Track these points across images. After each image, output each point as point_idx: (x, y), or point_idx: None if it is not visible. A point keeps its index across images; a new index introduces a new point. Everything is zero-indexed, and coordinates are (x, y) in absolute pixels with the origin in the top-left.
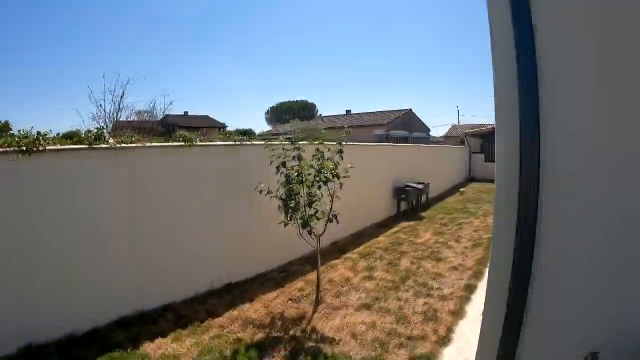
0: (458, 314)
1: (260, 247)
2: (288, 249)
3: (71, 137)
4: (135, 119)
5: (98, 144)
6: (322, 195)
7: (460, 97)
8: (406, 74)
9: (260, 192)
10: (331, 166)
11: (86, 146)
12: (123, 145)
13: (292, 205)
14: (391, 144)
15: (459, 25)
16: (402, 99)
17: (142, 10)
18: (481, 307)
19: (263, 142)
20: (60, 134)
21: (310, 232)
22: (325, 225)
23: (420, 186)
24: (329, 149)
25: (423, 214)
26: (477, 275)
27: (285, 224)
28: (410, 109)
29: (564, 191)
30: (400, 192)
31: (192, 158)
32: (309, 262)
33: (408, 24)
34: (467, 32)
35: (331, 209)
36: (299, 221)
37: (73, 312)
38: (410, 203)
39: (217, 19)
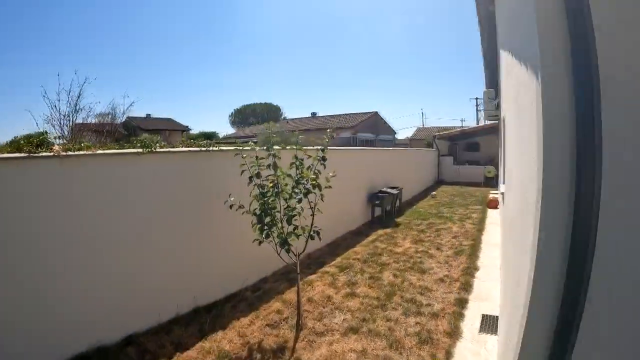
0: (454, 334)
1: (230, 264)
2: (260, 264)
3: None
4: (95, 121)
5: (40, 152)
6: (302, 209)
7: (424, 100)
8: (371, 77)
9: (231, 207)
10: (312, 176)
11: (24, 155)
12: (69, 153)
13: (267, 221)
14: (368, 147)
15: (425, 29)
16: (368, 101)
17: (102, 10)
18: (477, 324)
19: (232, 148)
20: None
21: (288, 251)
22: (306, 242)
23: (394, 191)
24: (309, 156)
25: (398, 219)
26: (466, 287)
27: (260, 242)
28: (377, 112)
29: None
30: (375, 198)
31: (152, 166)
32: (284, 278)
33: (373, 25)
34: (434, 36)
35: (312, 224)
36: (277, 239)
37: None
38: (385, 209)
39: (180, 19)
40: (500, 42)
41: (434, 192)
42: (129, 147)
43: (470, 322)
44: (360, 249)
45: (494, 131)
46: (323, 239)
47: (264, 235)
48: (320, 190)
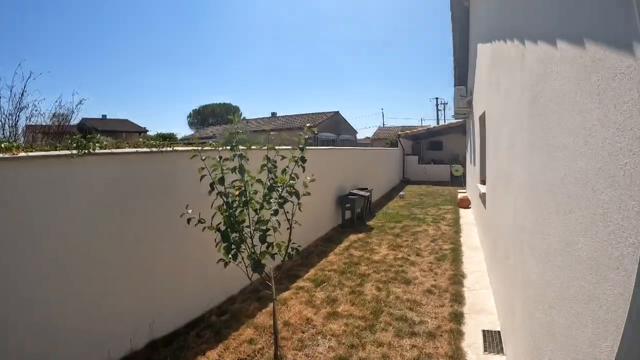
0: (457, 357)
1: (193, 284)
2: (227, 282)
3: None
4: (49, 122)
5: None
6: (278, 223)
7: (384, 100)
8: (331, 78)
9: (188, 221)
10: (290, 181)
11: None
12: None
13: (235, 238)
14: (337, 147)
15: (386, 29)
16: (328, 102)
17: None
18: (479, 343)
19: (190, 149)
20: None
21: (262, 273)
22: (283, 261)
23: (365, 193)
24: (282, 157)
25: (370, 223)
26: (458, 298)
27: (227, 264)
28: (337, 112)
29: None
30: (345, 200)
31: (90, 171)
32: (254, 296)
33: (333, 26)
34: (393, 36)
35: (290, 240)
36: (248, 261)
37: None
38: (355, 212)
39: (139, 19)
40: (479, 36)
41: (402, 192)
42: (61, 149)
43: (472, 340)
44: (335, 258)
45: (458, 130)
46: None
47: (230, 256)
48: (298, 198)
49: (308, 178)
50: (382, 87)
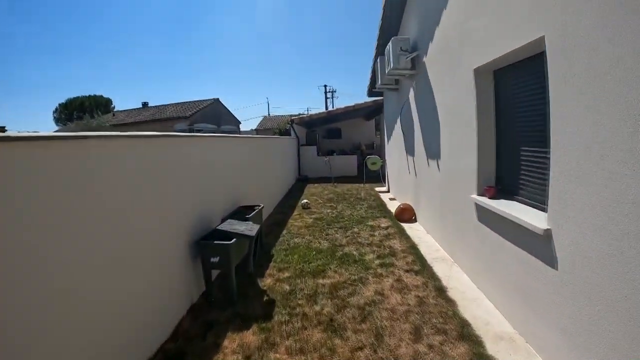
0: None
1: None
2: None
3: None
4: None
5: None
6: None
7: (269, 90)
8: (213, 68)
9: None
10: None
11: None
12: None
13: None
14: (199, 134)
15: (266, 18)
16: (210, 93)
17: None
18: None
19: None
20: None
21: None
22: None
23: (250, 231)
24: None
25: (266, 283)
26: None
27: None
28: (217, 99)
29: None
30: (211, 249)
31: None
32: None
33: (214, 16)
34: (277, 25)
35: None
36: None
37: None
38: (233, 273)
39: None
40: None
41: (304, 200)
42: None
43: None
44: None
45: (358, 114)
46: None
47: None
48: None
49: None
50: (268, 76)
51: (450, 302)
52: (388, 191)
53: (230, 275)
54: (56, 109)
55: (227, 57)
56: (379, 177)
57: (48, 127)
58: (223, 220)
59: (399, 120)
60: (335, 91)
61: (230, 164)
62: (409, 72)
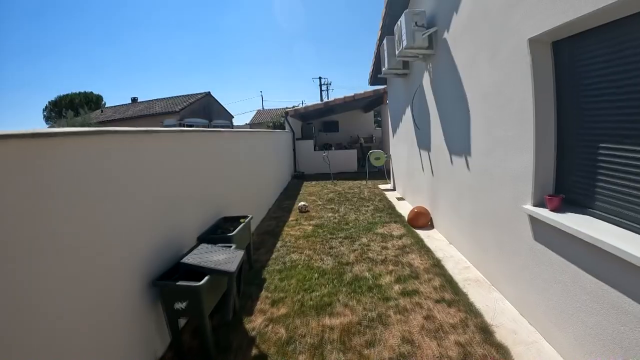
0: None
1: None
2: None
3: None
4: None
5: None
6: None
7: (263, 84)
8: (205, 62)
9: None
10: None
11: None
12: None
13: None
14: (174, 130)
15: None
16: (205, 87)
17: None
18: None
19: None
20: None
21: None
22: None
23: (229, 264)
24: None
25: (253, 327)
26: None
27: None
28: (209, 92)
29: None
30: (174, 292)
31: None
32: None
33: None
34: (269, 19)
35: None
36: None
37: None
38: (206, 322)
39: None
40: None
41: (302, 203)
42: None
43: None
44: None
45: (357, 105)
46: None
47: None
48: None
49: None
50: (261, 70)
51: (502, 350)
52: (394, 189)
53: (203, 325)
54: (46, 106)
55: (220, 50)
56: (383, 173)
57: (40, 124)
58: (200, 240)
59: (408, 110)
60: (330, 83)
61: (210, 165)
62: (424, 52)
